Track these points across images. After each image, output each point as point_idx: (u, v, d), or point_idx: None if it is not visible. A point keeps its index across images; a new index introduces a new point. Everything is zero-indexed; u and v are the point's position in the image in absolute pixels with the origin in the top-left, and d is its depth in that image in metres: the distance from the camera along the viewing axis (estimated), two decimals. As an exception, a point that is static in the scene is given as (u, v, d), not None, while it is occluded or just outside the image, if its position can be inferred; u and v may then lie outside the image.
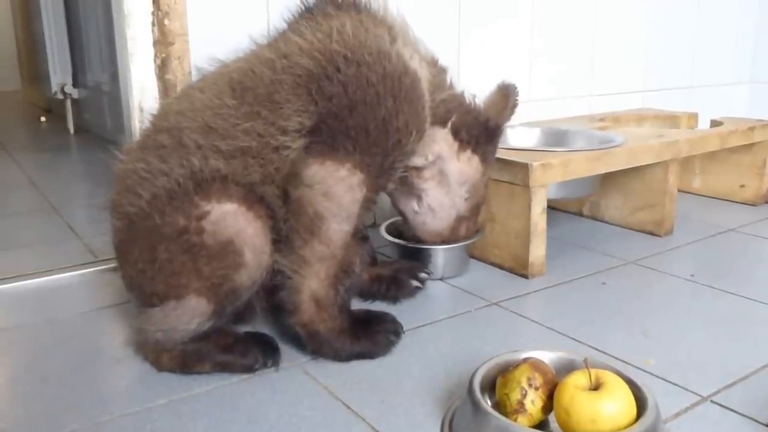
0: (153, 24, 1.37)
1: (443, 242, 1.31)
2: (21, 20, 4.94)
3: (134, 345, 1.05)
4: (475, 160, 1.23)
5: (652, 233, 1.63)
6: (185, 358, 0.98)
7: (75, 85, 3.36)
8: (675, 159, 1.58)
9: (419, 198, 1.25)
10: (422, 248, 1.32)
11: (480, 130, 1.22)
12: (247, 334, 1.05)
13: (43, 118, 4.04)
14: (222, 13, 1.41)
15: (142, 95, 1.40)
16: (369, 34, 1.01)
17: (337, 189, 0.98)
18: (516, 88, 1.26)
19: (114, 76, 2.65)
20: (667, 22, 2.34)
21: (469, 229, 1.31)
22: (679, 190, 1.65)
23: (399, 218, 1.36)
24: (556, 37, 2.02)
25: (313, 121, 0.97)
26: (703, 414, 0.88)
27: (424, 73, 1.07)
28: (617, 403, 0.75)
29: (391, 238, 1.38)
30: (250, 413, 0.89)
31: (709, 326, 1.14)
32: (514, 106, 1.26)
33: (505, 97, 1.25)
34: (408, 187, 1.23)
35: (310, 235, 0.99)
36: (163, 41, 1.37)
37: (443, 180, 1.22)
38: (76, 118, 3.42)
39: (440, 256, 1.33)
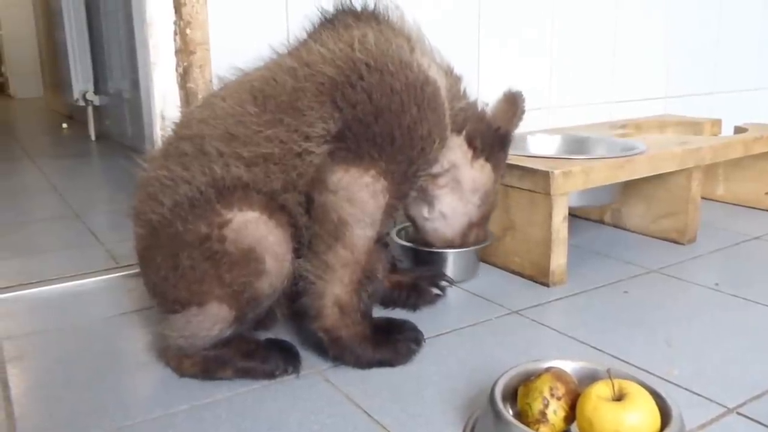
0: (175, 33, 1.39)
1: (453, 247, 1.32)
2: (44, 29, 5.02)
3: (156, 350, 1.06)
4: (488, 168, 1.24)
5: (675, 241, 1.61)
6: (207, 364, 0.99)
7: (96, 92, 3.41)
8: (698, 166, 1.56)
9: (430, 204, 1.25)
10: (433, 251, 1.33)
11: (493, 138, 1.23)
12: (269, 341, 1.05)
13: (64, 125, 4.10)
14: (242, 23, 1.42)
15: (164, 103, 1.41)
16: (390, 44, 1.02)
17: (361, 195, 0.99)
18: (522, 94, 1.27)
19: (135, 84, 2.68)
20: (689, 27, 2.32)
21: (479, 236, 1.32)
22: (702, 198, 1.64)
23: (409, 224, 1.36)
24: (576, 44, 2.01)
25: (339, 127, 0.98)
26: (729, 426, 0.87)
27: (442, 82, 1.08)
28: (641, 414, 0.74)
29: (401, 242, 1.39)
30: (271, 420, 0.89)
31: (734, 336, 1.13)
32: (523, 112, 1.27)
33: (514, 104, 1.25)
34: (421, 193, 1.23)
35: (334, 240, 0.99)
36: (184, 50, 1.39)
37: (457, 187, 1.23)
38: (97, 125, 3.47)
39: (450, 259, 1.33)
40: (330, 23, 1.06)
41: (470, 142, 1.21)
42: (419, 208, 1.27)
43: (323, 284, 1.00)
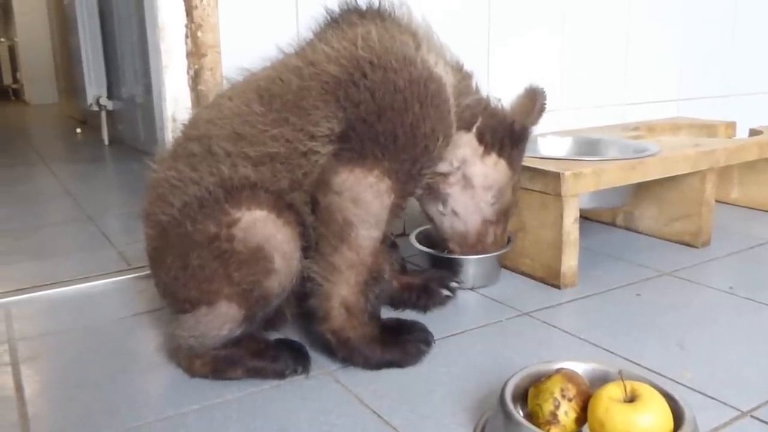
0: (186, 36, 1.40)
1: (471, 247, 1.29)
2: (58, 35, 5.08)
3: (167, 351, 1.06)
4: (501, 164, 1.22)
5: (688, 244, 1.60)
6: (217, 364, 0.99)
7: (110, 97, 3.45)
8: (712, 168, 1.55)
9: (444, 201, 1.24)
10: (453, 258, 1.31)
11: (505, 133, 1.21)
12: (278, 341, 1.05)
13: (78, 130, 4.14)
14: (253, 25, 1.43)
15: (176, 106, 1.42)
16: (394, 40, 1.01)
17: (365, 195, 0.99)
18: (544, 91, 1.25)
19: (148, 88, 2.70)
20: (703, 29, 2.31)
21: (498, 235, 1.29)
22: (716, 201, 1.62)
23: (429, 227, 1.35)
24: (588, 45, 2.01)
25: (342, 126, 0.98)
26: (743, 429, 0.86)
27: (449, 79, 1.08)
28: (653, 416, 0.74)
29: (421, 247, 1.37)
30: (281, 420, 0.89)
31: (748, 339, 1.11)
32: (542, 109, 1.24)
33: (533, 99, 1.23)
34: (432, 192, 1.22)
35: (339, 241, 0.99)
36: (196, 53, 1.40)
37: (468, 184, 1.22)
38: (110, 130, 3.50)
39: (471, 265, 1.32)
40: (335, 22, 1.07)
41: (481, 138, 1.20)
42: (434, 205, 1.26)
43: (330, 286, 1.00)
